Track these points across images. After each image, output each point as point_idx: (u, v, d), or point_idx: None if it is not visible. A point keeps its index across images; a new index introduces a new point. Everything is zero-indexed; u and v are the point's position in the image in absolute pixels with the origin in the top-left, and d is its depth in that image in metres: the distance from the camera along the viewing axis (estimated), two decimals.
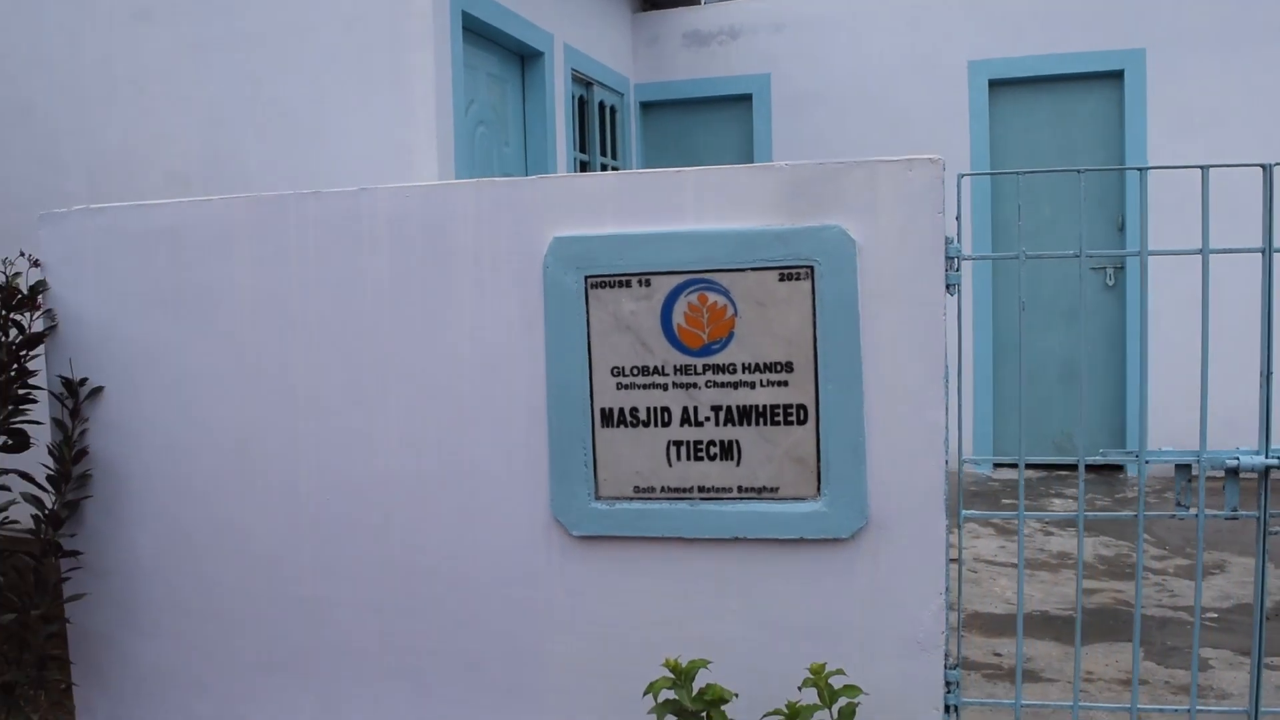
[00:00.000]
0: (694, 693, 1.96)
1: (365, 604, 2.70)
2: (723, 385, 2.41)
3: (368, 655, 2.71)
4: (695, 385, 2.42)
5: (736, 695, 2.04)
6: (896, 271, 2.31)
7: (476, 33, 5.00)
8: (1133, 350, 6.27)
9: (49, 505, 2.81)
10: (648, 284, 2.42)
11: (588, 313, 2.46)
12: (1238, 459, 2.31)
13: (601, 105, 6.60)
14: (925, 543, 2.35)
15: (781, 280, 2.35)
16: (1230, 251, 2.33)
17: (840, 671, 2.07)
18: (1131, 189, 6.23)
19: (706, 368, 2.41)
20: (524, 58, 5.61)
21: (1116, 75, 6.35)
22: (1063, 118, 6.52)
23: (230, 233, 2.73)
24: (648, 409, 2.45)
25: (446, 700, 2.65)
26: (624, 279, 2.43)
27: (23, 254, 2.92)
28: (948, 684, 2.43)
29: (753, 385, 2.39)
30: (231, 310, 2.74)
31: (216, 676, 2.85)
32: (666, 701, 1.98)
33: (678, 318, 2.41)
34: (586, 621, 2.53)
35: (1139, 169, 2.51)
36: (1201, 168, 2.33)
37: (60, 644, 2.90)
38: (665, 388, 2.44)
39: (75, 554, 2.84)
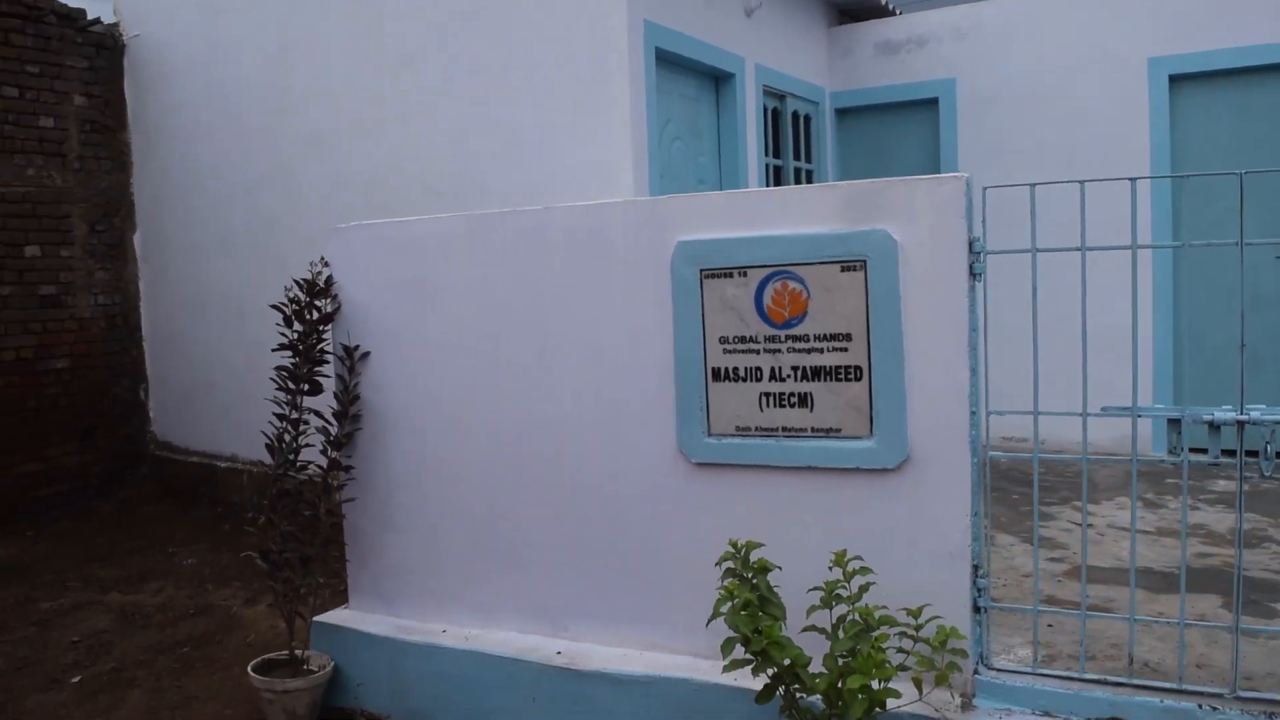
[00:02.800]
0: (747, 564, 2.76)
1: (543, 512, 3.65)
2: (799, 351, 3.17)
3: (544, 550, 3.67)
4: (779, 351, 3.20)
5: (780, 567, 2.82)
6: (930, 264, 2.99)
7: (671, 61, 5.88)
8: None
9: (333, 434, 3.95)
10: (745, 274, 3.22)
11: (702, 297, 3.28)
12: (1213, 414, 2.83)
13: (795, 115, 7.33)
14: (954, 474, 3.01)
15: (843, 271, 3.08)
16: None
17: (859, 557, 2.80)
18: None
19: (788, 337, 3.18)
20: (717, 79, 6.45)
21: None
22: (1245, 110, 6.63)
23: (452, 241, 3.75)
24: (745, 368, 3.25)
25: (598, 584, 3.56)
26: (728, 271, 3.24)
27: (322, 259, 4.06)
28: (979, 590, 3.08)
29: (821, 351, 3.14)
30: (453, 297, 3.76)
31: (441, 562, 3.89)
32: (729, 569, 2.79)
33: (767, 300, 3.20)
34: (701, 527, 3.35)
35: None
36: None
37: (338, 533, 4.05)
38: (758, 352, 3.23)
39: (350, 469, 3.97)
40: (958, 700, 3.03)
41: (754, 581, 2.71)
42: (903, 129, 7.69)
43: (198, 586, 5.57)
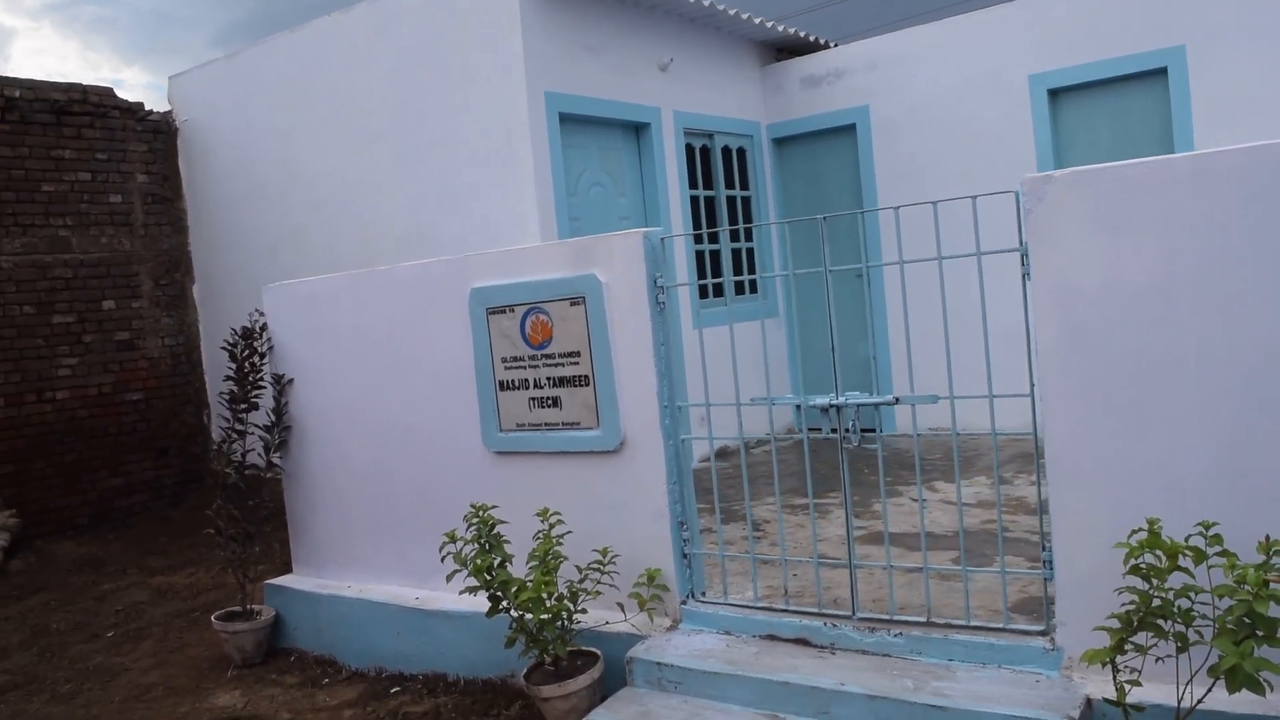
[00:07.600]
0: (483, 521, 3.90)
1: (409, 495, 4.87)
2: (550, 365, 4.29)
3: (412, 523, 4.88)
4: (538, 365, 4.33)
5: (506, 522, 3.95)
6: (625, 298, 4.07)
7: (582, 120, 7.02)
8: None
9: (270, 440, 5.25)
10: (513, 310, 4.36)
11: (489, 328, 4.44)
12: (815, 400, 3.81)
13: (727, 150, 8.35)
14: (653, 453, 4.08)
15: (571, 306, 4.19)
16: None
17: (558, 513, 3.91)
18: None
19: (543, 356, 4.31)
20: (637, 128, 7.55)
21: (1161, 73, 7.08)
22: (1118, 117, 7.33)
23: (337, 294, 5.01)
24: (518, 380, 4.39)
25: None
26: (502, 308, 4.39)
27: (258, 310, 5.38)
28: (685, 540, 4.13)
29: (563, 365, 4.25)
30: (341, 336, 5.02)
31: (350, 536, 5.15)
32: (471, 525, 3.93)
33: (527, 329, 4.33)
34: (502, 499, 4.47)
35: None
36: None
37: (278, 515, 5.34)
38: (525, 368, 4.36)
39: (277, 467, 5.28)
40: (666, 623, 4.10)
41: (480, 533, 3.85)
42: (830, 153, 8.61)
43: (222, 570, 6.99)
